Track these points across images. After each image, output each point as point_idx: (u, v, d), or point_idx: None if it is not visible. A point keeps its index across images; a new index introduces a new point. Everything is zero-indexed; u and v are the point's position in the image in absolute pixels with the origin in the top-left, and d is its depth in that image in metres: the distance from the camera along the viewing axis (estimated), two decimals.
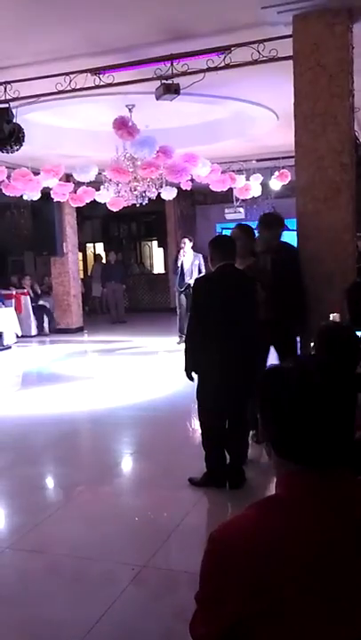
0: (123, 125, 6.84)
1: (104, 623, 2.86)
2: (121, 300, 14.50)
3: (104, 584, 3.26)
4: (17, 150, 6.17)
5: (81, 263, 15.99)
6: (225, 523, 1.26)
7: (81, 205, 10.40)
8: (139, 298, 16.37)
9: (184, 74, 5.26)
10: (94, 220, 16.63)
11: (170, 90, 5.34)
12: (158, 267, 17.32)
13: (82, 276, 15.07)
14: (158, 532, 3.78)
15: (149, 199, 8.72)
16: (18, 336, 11.67)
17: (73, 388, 8.04)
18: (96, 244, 18.05)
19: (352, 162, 4.63)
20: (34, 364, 10.42)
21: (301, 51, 4.60)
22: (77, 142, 9.22)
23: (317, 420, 1.21)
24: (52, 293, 13.26)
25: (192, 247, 10.66)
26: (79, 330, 13.15)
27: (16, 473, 5.02)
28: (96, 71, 5.54)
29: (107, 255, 15.69)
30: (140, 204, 8.80)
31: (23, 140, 6.13)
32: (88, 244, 17.80)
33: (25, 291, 12.84)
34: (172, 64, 5.24)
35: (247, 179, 10.77)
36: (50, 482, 5.07)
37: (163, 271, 16.60)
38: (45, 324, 13.01)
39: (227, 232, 5.45)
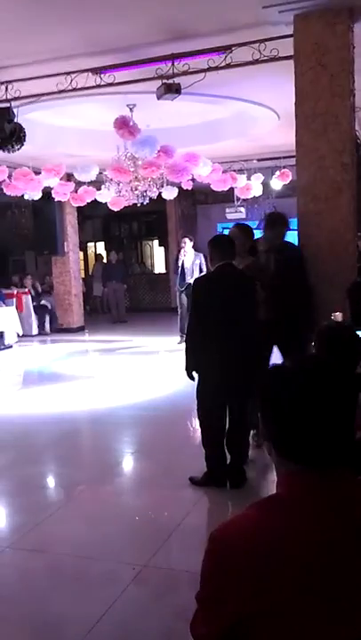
0: (124, 125, 6.84)
1: (105, 622, 2.86)
2: (122, 300, 14.50)
3: (105, 583, 3.27)
4: (18, 150, 6.17)
5: (82, 263, 15.97)
6: (225, 522, 1.27)
7: (82, 205, 10.40)
8: (140, 297, 16.36)
9: (185, 73, 5.26)
10: (95, 219, 16.61)
11: (171, 89, 5.34)
12: (159, 266, 17.30)
13: (83, 276, 15.06)
14: (159, 532, 3.78)
15: (150, 199, 8.71)
16: (19, 335, 11.69)
17: (74, 387, 8.04)
18: (97, 244, 18.03)
19: (353, 161, 4.62)
20: (35, 363, 10.43)
21: (302, 50, 4.60)
22: (78, 142, 9.21)
23: (318, 420, 1.22)
24: (53, 293, 13.26)
25: (193, 247, 10.64)
26: (80, 329, 13.15)
27: (17, 472, 5.02)
28: (97, 71, 5.54)
29: (108, 255, 15.70)
30: (141, 203, 8.79)
31: (24, 140, 6.13)
32: (89, 244, 17.78)
33: (26, 290, 12.84)
34: (173, 64, 5.24)
35: (248, 178, 10.76)
36: (51, 481, 5.08)
37: (164, 271, 16.58)
38: (46, 324, 13.03)
39: (227, 232, 5.45)
